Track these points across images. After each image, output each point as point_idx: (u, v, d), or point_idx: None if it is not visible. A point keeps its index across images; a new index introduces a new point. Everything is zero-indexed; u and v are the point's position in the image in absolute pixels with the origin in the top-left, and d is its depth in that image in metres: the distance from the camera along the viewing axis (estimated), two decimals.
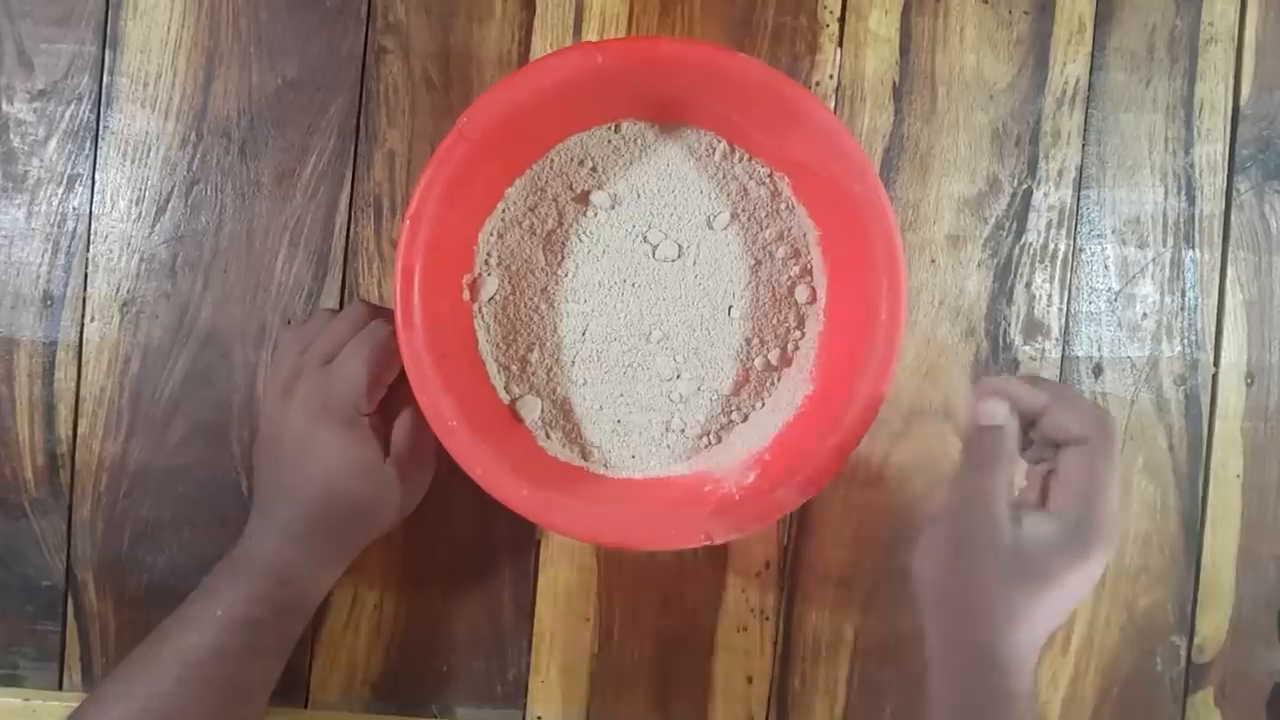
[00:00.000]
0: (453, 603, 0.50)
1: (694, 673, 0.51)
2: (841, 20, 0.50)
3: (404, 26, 0.50)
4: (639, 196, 0.47)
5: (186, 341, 0.49)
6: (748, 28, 0.50)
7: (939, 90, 0.51)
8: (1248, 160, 0.52)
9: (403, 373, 0.41)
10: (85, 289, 0.49)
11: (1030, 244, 0.51)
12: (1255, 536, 0.52)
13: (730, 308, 0.47)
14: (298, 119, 0.49)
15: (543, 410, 0.46)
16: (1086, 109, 0.51)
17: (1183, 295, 0.52)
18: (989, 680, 0.36)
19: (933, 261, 0.51)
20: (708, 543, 0.41)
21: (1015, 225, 0.51)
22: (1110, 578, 0.52)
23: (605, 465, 0.47)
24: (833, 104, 0.50)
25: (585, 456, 0.47)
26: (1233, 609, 0.52)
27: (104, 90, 0.49)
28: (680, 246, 0.47)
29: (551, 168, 0.46)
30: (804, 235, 0.47)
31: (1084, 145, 0.51)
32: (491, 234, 0.46)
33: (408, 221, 0.40)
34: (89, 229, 0.49)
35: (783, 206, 0.47)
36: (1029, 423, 0.39)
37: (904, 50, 0.51)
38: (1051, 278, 0.51)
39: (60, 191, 0.49)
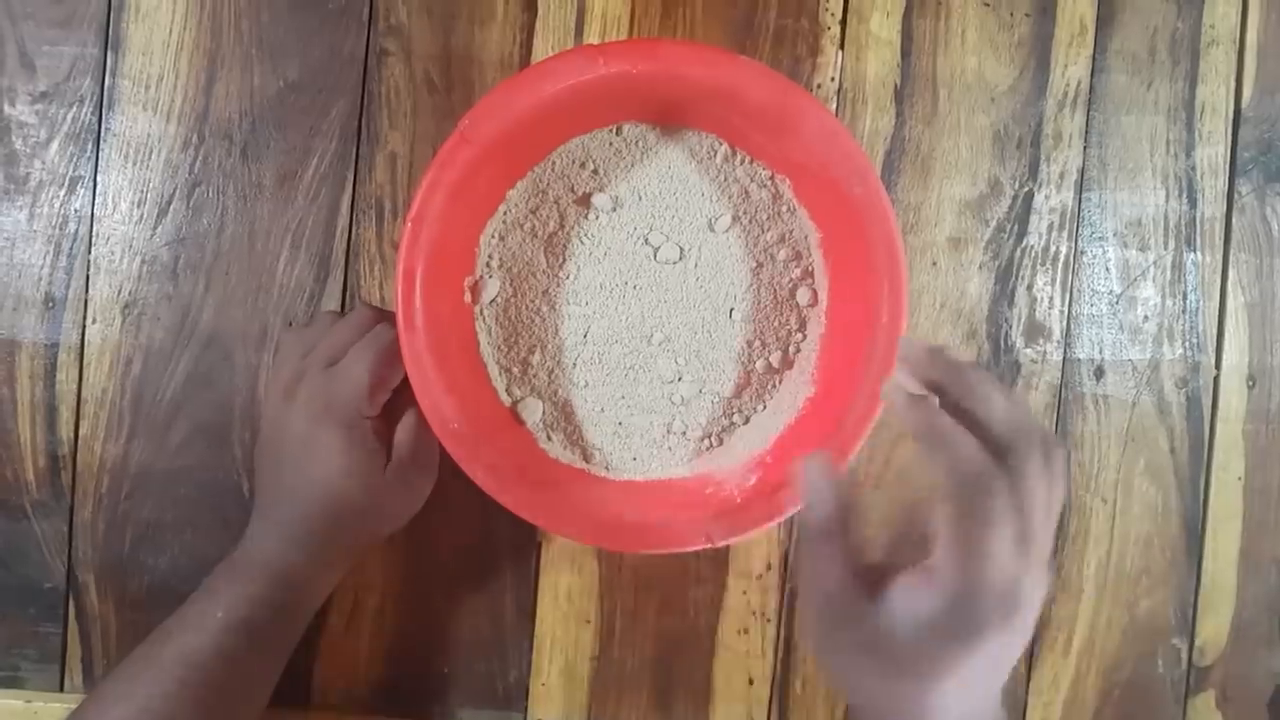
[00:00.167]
0: (454, 605, 0.50)
1: (695, 675, 0.51)
2: (843, 23, 0.50)
3: (406, 29, 0.50)
4: (640, 199, 0.47)
5: (188, 343, 0.49)
6: (749, 30, 0.50)
7: (940, 93, 0.51)
8: (1249, 163, 0.52)
9: (404, 376, 0.41)
10: (87, 291, 0.49)
11: (1031, 246, 0.51)
12: (1257, 539, 0.52)
13: (731, 310, 0.47)
14: (299, 121, 0.49)
15: (544, 412, 0.46)
16: (1088, 111, 0.51)
17: (1184, 298, 0.52)
18: None
19: (934, 264, 0.51)
20: (709, 545, 0.41)
21: (1016, 228, 0.51)
22: (1112, 580, 0.52)
23: (606, 467, 0.47)
24: (834, 106, 0.50)
25: (586, 459, 0.47)
26: (1234, 611, 0.52)
27: (106, 92, 0.49)
28: (682, 249, 0.47)
29: (553, 170, 0.46)
30: (805, 238, 0.47)
31: (1085, 148, 0.51)
32: (493, 236, 0.46)
33: (409, 224, 0.40)
34: (91, 231, 0.49)
35: (784, 209, 0.47)
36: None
37: (905, 53, 0.51)
38: (1053, 280, 0.51)
39: (62, 193, 0.49)
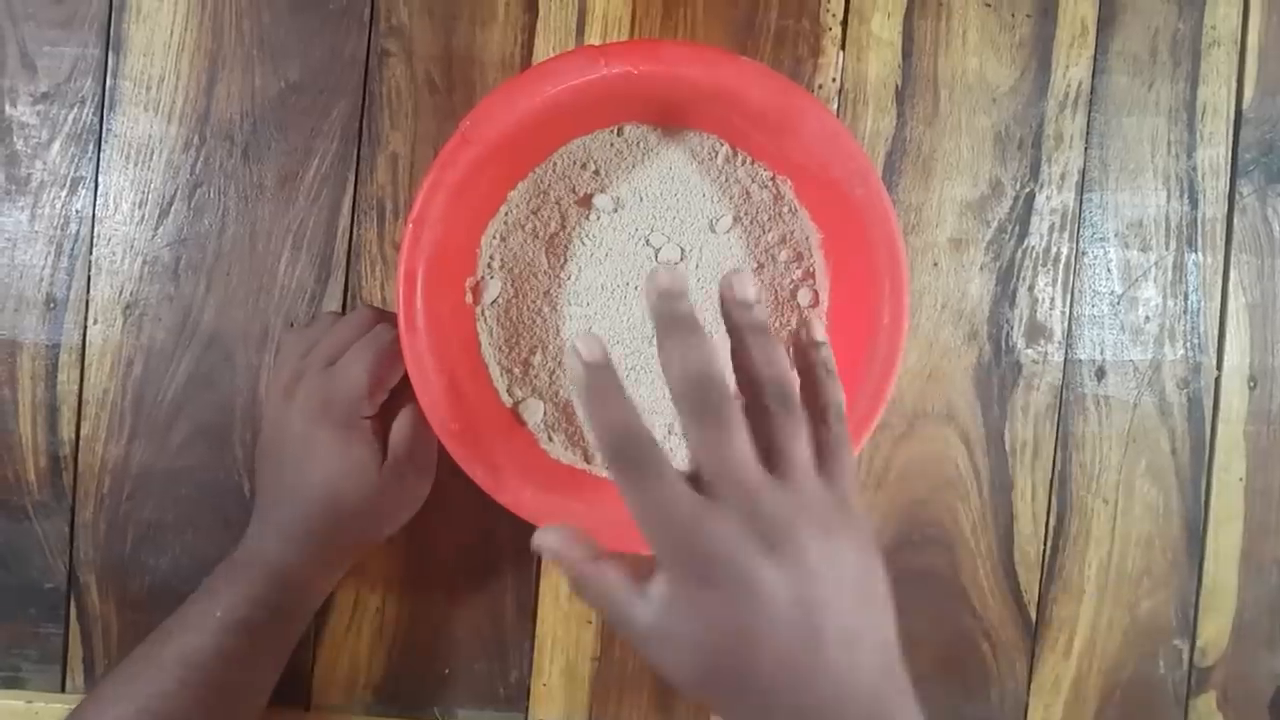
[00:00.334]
0: (455, 605, 0.50)
1: None
2: (844, 23, 0.50)
3: (407, 29, 0.50)
4: (641, 200, 0.47)
5: (189, 344, 0.49)
6: (750, 31, 0.50)
7: (941, 93, 0.51)
8: (1250, 164, 0.52)
9: (404, 376, 0.41)
10: (88, 291, 0.49)
11: (1033, 247, 0.51)
12: (1258, 540, 0.52)
13: None
14: (300, 122, 0.49)
15: (545, 413, 0.46)
16: (1089, 112, 0.51)
17: (1185, 299, 0.52)
18: None
19: (935, 265, 0.51)
20: None
21: (1018, 229, 0.51)
22: (1113, 581, 0.52)
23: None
24: (835, 107, 0.50)
25: (588, 459, 0.47)
26: (1235, 612, 0.52)
27: (107, 93, 0.49)
28: (683, 250, 0.47)
29: (554, 171, 0.46)
30: (806, 238, 0.47)
31: (1086, 148, 0.51)
32: (494, 237, 0.46)
33: (410, 225, 0.40)
34: (92, 232, 0.49)
35: (785, 210, 0.47)
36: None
37: (906, 53, 0.51)
38: (1054, 281, 0.51)
39: (63, 194, 0.49)
